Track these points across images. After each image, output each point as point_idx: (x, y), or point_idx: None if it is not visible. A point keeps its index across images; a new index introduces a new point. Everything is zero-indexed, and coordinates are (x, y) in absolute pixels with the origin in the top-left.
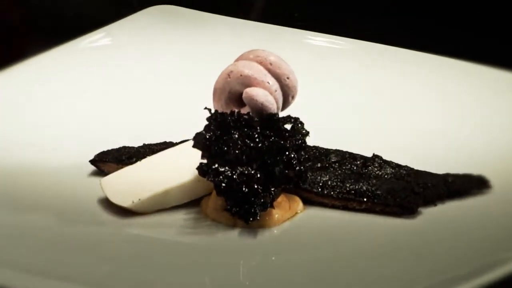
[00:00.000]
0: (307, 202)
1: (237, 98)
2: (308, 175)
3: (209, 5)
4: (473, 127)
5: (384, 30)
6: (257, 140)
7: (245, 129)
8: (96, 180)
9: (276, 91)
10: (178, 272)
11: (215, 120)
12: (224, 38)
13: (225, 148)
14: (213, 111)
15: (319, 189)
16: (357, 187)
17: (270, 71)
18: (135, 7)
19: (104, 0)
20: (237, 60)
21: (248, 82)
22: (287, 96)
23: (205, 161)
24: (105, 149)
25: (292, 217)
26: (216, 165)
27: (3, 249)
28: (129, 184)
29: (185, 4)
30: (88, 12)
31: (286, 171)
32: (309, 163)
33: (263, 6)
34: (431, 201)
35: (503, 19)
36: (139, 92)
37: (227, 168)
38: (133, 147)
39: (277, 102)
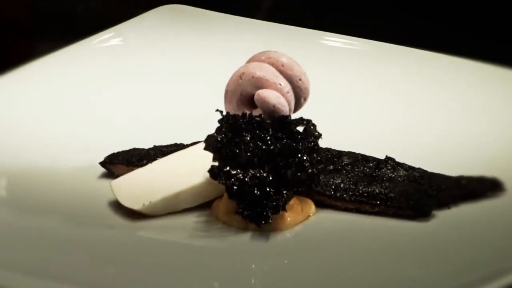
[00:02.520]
0: (320, 204)
1: (249, 100)
2: (321, 178)
3: (217, 4)
4: (487, 129)
5: (399, 30)
6: (269, 142)
7: (257, 131)
8: (106, 182)
9: (288, 93)
10: (189, 275)
11: (227, 122)
12: (236, 38)
13: (237, 151)
14: (224, 113)
15: (332, 192)
16: (370, 189)
17: (282, 73)
18: (143, 7)
19: (111, 0)
20: (248, 61)
21: (260, 84)
22: (299, 98)
23: (216, 163)
24: (115, 151)
25: (304, 220)
26: (228, 168)
27: (12, 251)
28: (140, 186)
29: (194, 4)
30: (95, 12)
31: (298, 174)
32: (322, 166)
33: (272, 5)
34: (444, 204)
35: None
36: (149, 93)
37: (238, 170)
38: (143, 149)
39: (289, 104)
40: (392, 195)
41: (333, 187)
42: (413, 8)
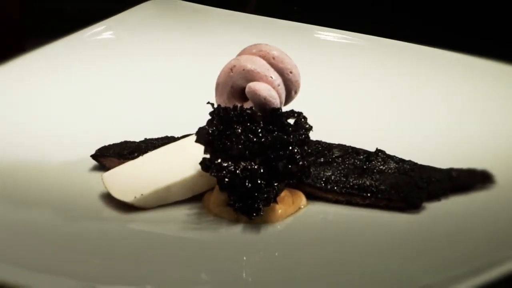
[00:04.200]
0: (311, 197)
1: (240, 93)
2: (312, 170)
3: None
4: (477, 122)
5: (389, 24)
6: (260, 135)
7: (248, 124)
8: (98, 175)
9: (279, 85)
10: (180, 268)
11: (218, 114)
12: (227, 32)
13: (228, 143)
14: (215, 105)
15: (323, 184)
16: (360, 182)
17: (273, 66)
18: (134, 1)
19: None
20: (239, 54)
21: (251, 76)
22: (290, 90)
23: (208, 156)
24: (106, 144)
25: (295, 212)
26: (219, 160)
27: (3, 245)
28: (131, 179)
29: None
30: (86, 7)
31: (289, 166)
32: (312, 158)
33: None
34: (435, 196)
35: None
36: (140, 86)
37: (230, 163)
38: (134, 142)
39: (280, 97)
40: (382, 187)
41: (324, 179)
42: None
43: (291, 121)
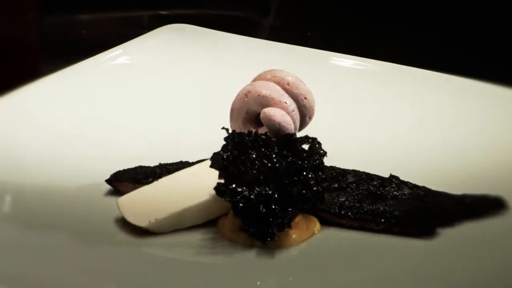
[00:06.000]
0: (325, 222)
1: (255, 118)
2: (326, 196)
3: (221, 25)
4: (491, 148)
5: (402, 50)
6: (274, 160)
7: (263, 149)
8: (113, 199)
9: (293, 111)
10: None
11: (233, 140)
12: (242, 57)
13: (243, 168)
14: (230, 131)
15: (337, 210)
16: (374, 207)
17: (287, 91)
18: (148, 27)
19: (114, 22)
20: (254, 80)
21: (265, 102)
22: (304, 116)
23: (222, 181)
24: (121, 169)
25: (309, 237)
26: (234, 185)
27: (18, 268)
28: (146, 203)
29: (199, 24)
30: (102, 33)
31: (304, 191)
32: (327, 184)
33: (273, 24)
34: (448, 222)
35: None
36: (155, 111)
37: (244, 188)
38: (149, 167)
39: (294, 123)
40: (396, 213)
41: (338, 205)
42: (421, 28)
43: (305, 146)
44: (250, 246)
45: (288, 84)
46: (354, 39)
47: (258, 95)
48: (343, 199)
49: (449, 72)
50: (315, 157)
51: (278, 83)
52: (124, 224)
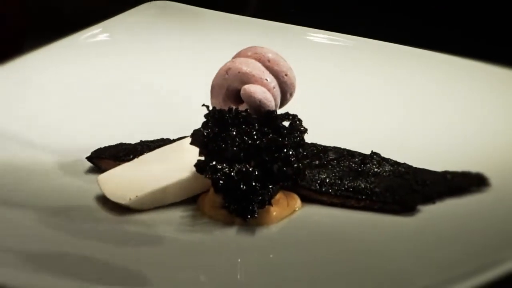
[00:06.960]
0: (305, 199)
1: (235, 95)
2: (306, 173)
3: (204, 2)
4: (472, 125)
5: (383, 26)
6: (255, 137)
7: (243, 126)
8: (93, 177)
9: (274, 88)
10: (175, 270)
11: (213, 117)
12: (222, 34)
13: (223, 145)
14: (211, 108)
15: (317, 187)
16: (355, 184)
17: (268, 68)
18: (131, 3)
19: None
20: (235, 57)
21: (246, 79)
22: (285, 93)
23: (202, 158)
24: (102, 146)
25: (290, 214)
26: (214, 162)
27: None
28: (126, 181)
29: (181, 1)
30: (83, 8)
31: (284, 168)
32: (307, 161)
33: (258, 2)
34: (430, 199)
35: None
36: (136, 88)
37: (225, 165)
38: (130, 144)
39: (275, 99)
40: (377, 190)
41: (318, 181)
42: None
43: (286, 123)
44: (231, 223)
45: (269, 61)
46: (336, 14)
47: (239, 72)
48: (324, 176)
49: (428, 48)
50: (296, 134)
51: (258, 60)
52: (104, 201)
